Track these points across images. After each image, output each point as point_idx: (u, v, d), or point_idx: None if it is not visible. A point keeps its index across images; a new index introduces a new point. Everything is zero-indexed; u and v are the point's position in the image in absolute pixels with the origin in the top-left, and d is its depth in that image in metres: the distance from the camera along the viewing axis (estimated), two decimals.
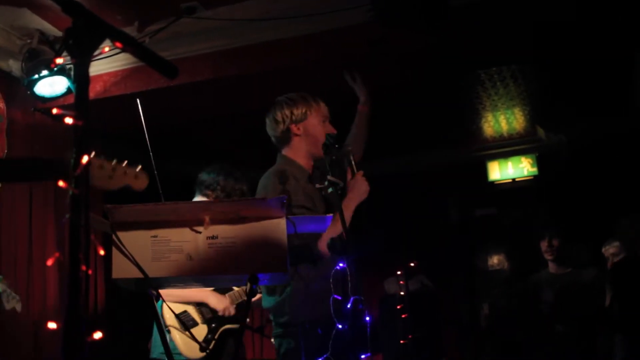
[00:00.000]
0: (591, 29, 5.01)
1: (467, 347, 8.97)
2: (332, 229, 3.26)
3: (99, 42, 1.52)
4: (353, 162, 3.54)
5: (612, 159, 7.58)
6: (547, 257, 5.98)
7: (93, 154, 2.44)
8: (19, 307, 3.49)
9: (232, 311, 4.61)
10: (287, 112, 3.75)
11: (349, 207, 3.45)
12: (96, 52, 1.54)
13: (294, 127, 3.73)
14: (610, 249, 5.90)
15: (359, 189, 3.50)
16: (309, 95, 3.83)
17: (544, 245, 5.95)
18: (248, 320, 4.88)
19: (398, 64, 5.38)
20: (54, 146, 5.64)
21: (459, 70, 6.13)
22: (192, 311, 4.61)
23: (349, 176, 3.55)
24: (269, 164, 3.80)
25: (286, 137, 3.77)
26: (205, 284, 3.40)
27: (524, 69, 6.62)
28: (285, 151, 3.79)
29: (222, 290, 4.66)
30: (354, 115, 4.26)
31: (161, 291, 4.17)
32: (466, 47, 5.20)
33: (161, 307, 4.48)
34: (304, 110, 3.75)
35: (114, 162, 2.58)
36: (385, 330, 7.87)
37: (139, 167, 2.64)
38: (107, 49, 4.70)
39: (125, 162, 2.62)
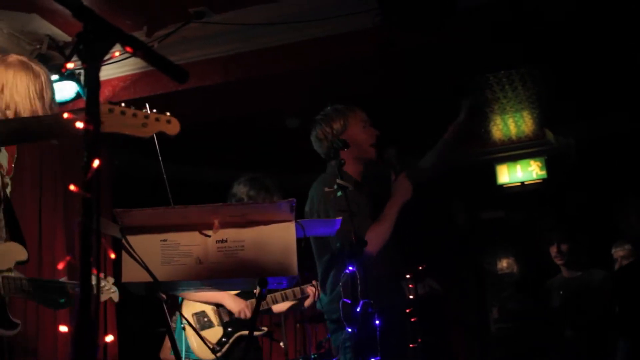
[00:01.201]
0: (598, 30, 5.00)
1: (476, 350, 8.95)
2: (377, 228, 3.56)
3: (110, 46, 1.53)
4: (396, 164, 3.62)
5: (622, 162, 7.55)
6: (557, 262, 5.97)
7: (123, 104, 2.53)
8: (115, 297, 3.45)
9: (247, 314, 4.61)
10: (327, 129, 3.84)
11: (394, 206, 3.67)
12: (106, 57, 1.55)
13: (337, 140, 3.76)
14: (619, 251, 5.88)
15: (402, 190, 3.71)
16: (343, 106, 3.91)
17: (553, 250, 5.94)
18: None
19: (406, 66, 5.37)
20: (63, 150, 5.66)
21: (468, 73, 6.13)
22: (210, 312, 4.61)
23: (392, 177, 3.63)
24: (279, 166, 3.82)
25: (334, 151, 3.80)
26: (214, 287, 3.41)
27: (532, 72, 6.61)
28: (334, 162, 3.82)
29: (245, 295, 4.64)
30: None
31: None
32: (474, 50, 5.19)
33: (181, 304, 4.52)
34: (341, 122, 3.83)
35: (145, 109, 2.68)
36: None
37: (168, 113, 2.76)
38: (117, 53, 4.72)
39: (154, 110, 2.71)
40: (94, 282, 1.42)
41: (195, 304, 4.56)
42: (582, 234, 6.35)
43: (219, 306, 4.63)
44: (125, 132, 2.65)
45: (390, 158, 3.68)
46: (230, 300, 4.59)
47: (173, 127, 2.78)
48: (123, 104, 2.62)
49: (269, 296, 4.73)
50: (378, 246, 3.55)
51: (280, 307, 4.85)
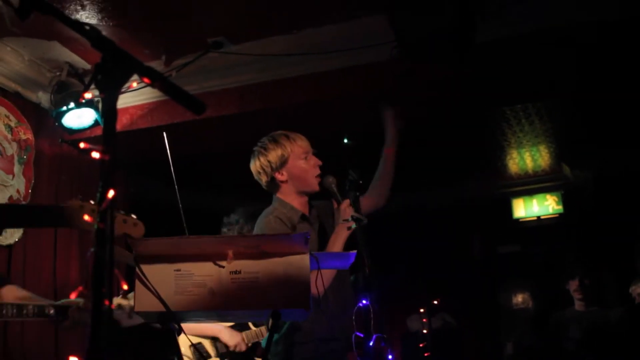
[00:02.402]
0: (618, 63, 4.99)
1: None
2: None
3: (127, 77, 1.53)
4: (336, 192, 3.49)
5: (639, 198, 7.50)
6: (577, 296, 5.90)
7: (92, 202, 2.67)
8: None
9: (243, 347, 4.62)
10: (265, 162, 3.64)
11: (339, 239, 3.40)
12: (124, 87, 1.56)
13: (277, 175, 3.63)
14: (637, 289, 5.81)
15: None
16: (282, 135, 3.71)
17: (574, 284, 5.88)
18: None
19: (423, 99, 5.37)
20: (81, 177, 5.69)
21: (485, 107, 6.13)
22: (207, 344, 4.63)
23: (334, 206, 3.53)
24: None
25: (274, 185, 3.68)
26: (227, 318, 3.40)
27: (549, 106, 6.60)
28: (278, 194, 3.70)
29: (239, 327, 4.68)
30: (381, 149, 4.23)
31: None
32: (491, 83, 5.19)
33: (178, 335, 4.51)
34: (279, 154, 3.62)
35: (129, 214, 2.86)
36: None
37: (134, 216, 2.89)
38: (135, 84, 4.76)
39: (122, 211, 2.85)
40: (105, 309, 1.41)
41: (190, 336, 4.53)
42: (604, 269, 6.30)
43: (215, 339, 4.64)
44: (88, 228, 2.82)
45: (329, 186, 3.54)
46: (226, 334, 4.61)
47: (138, 230, 2.90)
48: (93, 202, 2.77)
49: (255, 329, 4.75)
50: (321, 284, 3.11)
51: None
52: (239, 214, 4.97)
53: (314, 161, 3.67)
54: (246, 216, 4.84)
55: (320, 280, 2.88)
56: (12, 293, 3.36)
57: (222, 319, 3.36)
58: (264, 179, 3.68)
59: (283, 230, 3.44)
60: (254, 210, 4.68)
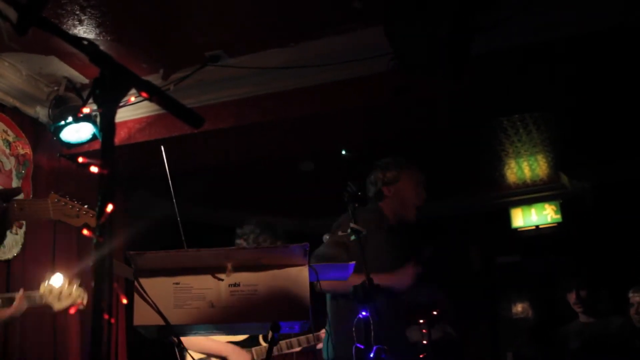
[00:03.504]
0: (614, 73, 5.00)
1: None
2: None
3: (125, 91, 1.54)
4: (423, 261, 3.67)
5: (637, 207, 7.50)
6: (577, 309, 5.91)
7: (67, 197, 2.97)
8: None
9: None
10: (380, 175, 3.97)
11: (386, 282, 3.58)
12: (122, 101, 1.56)
13: (385, 189, 3.94)
14: (636, 297, 5.81)
15: (399, 279, 3.80)
16: (405, 160, 4.03)
17: (572, 297, 5.89)
18: None
19: (421, 111, 5.39)
20: (79, 191, 5.66)
21: (482, 117, 6.14)
22: None
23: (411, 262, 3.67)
24: (293, 210, 3.81)
25: (380, 197, 3.97)
26: (227, 331, 3.38)
27: (546, 115, 6.62)
28: (380, 203, 3.97)
29: (250, 342, 4.61)
30: (379, 158, 4.29)
31: (185, 340, 4.20)
32: (489, 94, 5.20)
33: (184, 356, 4.46)
34: (395, 174, 3.95)
35: (79, 203, 3.37)
36: None
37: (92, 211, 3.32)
38: (133, 98, 4.77)
39: (86, 205, 3.39)
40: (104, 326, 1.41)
41: (197, 355, 4.50)
42: (600, 279, 6.29)
43: (223, 359, 4.59)
44: (64, 220, 3.37)
45: (423, 255, 3.72)
46: (234, 354, 4.56)
47: (80, 221, 3.39)
48: (67, 197, 3.39)
49: (284, 342, 4.71)
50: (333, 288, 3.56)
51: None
52: (253, 225, 4.91)
53: (422, 194, 4.02)
54: (262, 227, 4.80)
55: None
56: None
57: (222, 332, 3.35)
58: (373, 189, 4.02)
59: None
60: (269, 221, 4.70)
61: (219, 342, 4.46)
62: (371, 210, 3.91)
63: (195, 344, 4.33)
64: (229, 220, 5.28)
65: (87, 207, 3.37)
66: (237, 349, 4.56)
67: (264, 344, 4.68)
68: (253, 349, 4.63)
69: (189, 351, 4.51)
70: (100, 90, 1.51)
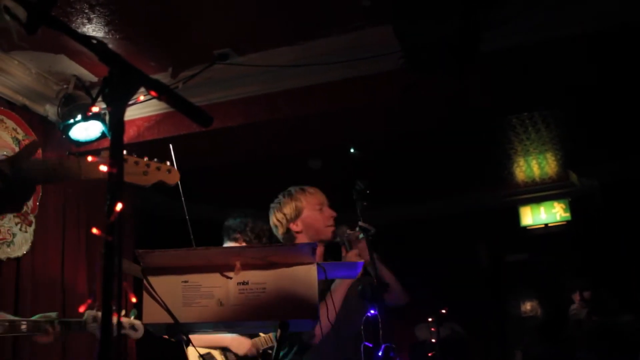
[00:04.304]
0: (623, 70, 4.99)
1: None
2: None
3: (135, 90, 1.54)
4: (346, 241, 3.58)
5: None
6: (582, 308, 5.91)
7: (125, 152, 2.62)
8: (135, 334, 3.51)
9: (254, 352, 4.59)
10: (280, 215, 3.80)
11: (341, 286, 3.46)
12: (131, 100, 1.56)
13: (292, 226, 3.77)
14: None
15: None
16: (297, 189, 3.86)
17: (576, 297, 5.89)
18: None
19: (430, 109, 5.38)
20: (88, 189, 5.70)
21: (490, 115, 6.13)
22: (217, 354, 4.59)
23: (343, 254, 3.58)
24: None
25: (290, 237, 3.80)
26: (235, 329, 3.39)
27: (555, 113, 6.60)
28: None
29: (249, 335, 4.64)
30: (387, 159, 4.24)
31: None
32: (498, 92, 5.20)
33: (186, 347, 4.48)
34: (294, 207, 3.78)
35: (146, 158, 2.83)
36: None
37: (168, 163, 2.89)
38: (142, 97, 4.78)
39: (155, 159, 2.86)
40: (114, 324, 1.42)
41: (200, 348, 4.52)
42: (609, 277, 6.28)
43: (225, 349, 4.60)
44: (126, 179, 2.72)
45: (341, 235, 3.63)
46: (235, 342, 4.58)
47: (173, 177, 2.89)
48: (125, 152, 2.69)
49: (263, 336, 4.72)
50: (320, 331, 3.08)
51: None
52: (241, 216, 4.92)
53: (329, 213, 3.80)
54: (252, 216, 4.81)
55: (332, 307, 3.02)
56: None
57: (230, 330, 3.36)
58: (280, 231, 3.82)
59: None
60: (252, 211, 4.69)
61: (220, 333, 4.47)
62: None
63: (196, 337, 4.33)
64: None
65: (158, 161, 2.88)
66: (236, 337, 4.58)
67: (262, 334, 4.69)
68: (252, 340, 4.65)
69: (190, 346, 4.53)
70: (110, 89, 1.51)
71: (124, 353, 5.84)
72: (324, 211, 3.79)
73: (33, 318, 3.25)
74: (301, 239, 3.75)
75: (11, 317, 3.27)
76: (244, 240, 4.76)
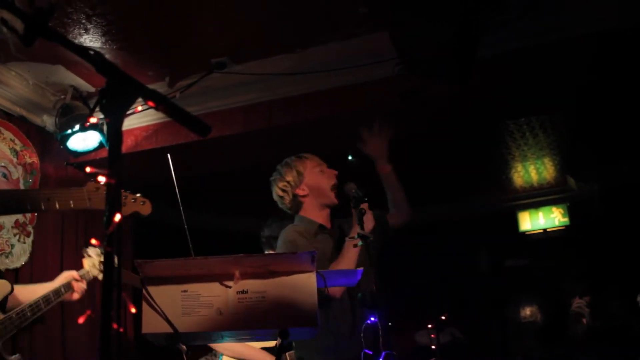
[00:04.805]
0: (621, 75, 5.00)
1: None
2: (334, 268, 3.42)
3: (132, 101, 1.54)
4: (355, 196, 3.57)
5: None
6: (582, 312, 5.91)
7: (104, 181, 2.82)
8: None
9: None
10: (283, 184, 3.87)
11: (351, 244, 3.49)
12: (129, 110, 1.57)
13: (298, 191, 3.84)
14: None
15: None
16: (293, 157, 3.95)
17: (576, 302, 5.90)
18: None
19: (427, 115, 5.38)
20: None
21: (488, 120, 6.13)
22: None
23: (353, 215, 3.57)
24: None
25: (297, 203, 3.87)
26: (235, 339, 3.38)
27: (553, 118, 6.61)
28: (300, 212, 3.90)
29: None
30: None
31: (219, 345, 4.19)
32: (495, 98, 5.20)
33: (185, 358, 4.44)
34: (295, 173, 3.86)
35: (122, 191, 2.85)
36: None
37: (139, 195, 3.18)
38: (139, 108, 4.78)
39: (129, 191, 3.12)
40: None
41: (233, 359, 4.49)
42: (608, 282, 6.28)
43: None
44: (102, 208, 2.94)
45: (349, 192, 3.63)
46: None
47: (146, 208, 3.21)
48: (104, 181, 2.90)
49: None
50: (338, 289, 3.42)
51: None
52: (275, 221, 4.86)
53: (330, 172, 3.89)
54: (281, 218, 4.76)
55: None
56: (24, 290, 3.74)
57: (230, 339, 3.34)
58: (287, 200, 3.89)
59: (301, 241, 3.63)
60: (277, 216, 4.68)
61: (253, 347, 4.43)
62: (300, 225, 3.81)
63: (229, 348, 4.33)
64: (237, 227, 5.27)
65: (131, 192, 3.17)
66: (269, 356, 4.52)
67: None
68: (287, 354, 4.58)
69: (225, 357, 4.51)
70: (107, 100, 1.51)
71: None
72: (325, 172, 3.87)
73: None
74: (309, 202, 3.83)
75: None
76: None
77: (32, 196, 3.04)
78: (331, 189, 3.83)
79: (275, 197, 3.96)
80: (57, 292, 3.84)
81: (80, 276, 3.99)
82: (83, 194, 3.06)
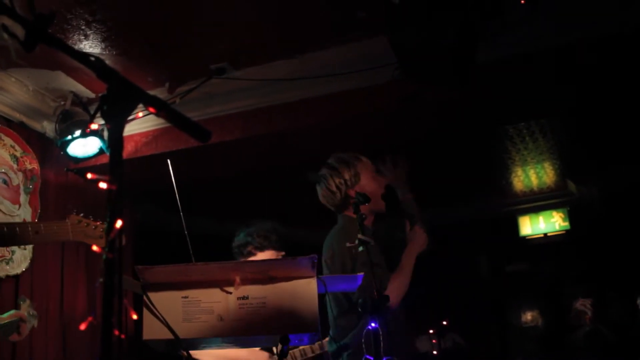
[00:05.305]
0: (621, 78, 5.00)
1: None
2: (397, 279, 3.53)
3: (133, 107, 1.54)
4: (413, 212, 3.60)
5: None
6: (584, 315, 5.91)
7: (82, 214, 2.92)
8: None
9: None
10: (340, 180, 3.81)
11: (411, 256, 3.62)
12: (130, 117, 1.56)
13: (351, 192, 3.77)
14: None
15: (419, 239, 3.57)
16: (352, 156, 3.90)
17: (577, 305, 5.89)
18: None
19: (427, 119, 5.39)
20: (86, 205, 5.68)
21: (487, 125, 6.13)
22: None
23: (407, 228, 3.59)
24: (300, 220, 3.80)
25: (346, 203, 3.82)
26: (236, 345, 3.37)
27: (552, 122, 6.61)
28: (346, 212, 3.85)
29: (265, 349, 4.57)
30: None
31: (213, 352, 4.16)
32: (494, 102, 5.20)
33: None
34: (353, 173, 3.81)
35: (98, 222, 3.22)
36: None
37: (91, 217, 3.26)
38: (140, 114, 4.78)
39: (99, 222, 3.21)
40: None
41: None
42: (609, 286, 6.28)
43: None
44: (85, 241, 3.19)
45: (406, 206, 3.65)
46: (252, 356, 4.52)
47: (97, 232, 3.23)
48: (82, 215, 3.24)
49: (297, 350, 4.67)
50: (399, 298, 3.51)
51: None
52: (242, 231, 4.81)
53: (382, 180, 3.90)
54: (250, 225, 4.72)
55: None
56: None
57: (231, 345, 3.33)
58: (338, 197, 3.84)
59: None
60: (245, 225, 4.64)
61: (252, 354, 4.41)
62: (348, 228, 3.73)
63: (210, 352, 4.29)
64: (237, 233, 5.27)
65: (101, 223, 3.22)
66: (254, 351, 4.51)
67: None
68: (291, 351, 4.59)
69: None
70: (108, 106, 1.51)
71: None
72: (378, 180, 3.86)
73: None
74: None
75: None
76: (256, 248, 4.65)
77: (22, 229, 3.13)
78: (382, 197, 3.82)
79: (323, 192, 3.89)
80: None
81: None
82: (67, 227, 3.21)
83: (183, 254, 3.95)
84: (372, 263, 3.25)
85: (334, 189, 3.83)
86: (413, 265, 3.61)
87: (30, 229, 3.14)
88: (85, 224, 3.20)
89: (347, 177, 3.80)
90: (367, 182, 3.81)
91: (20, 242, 3.25)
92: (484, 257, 9.33)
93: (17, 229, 3.13)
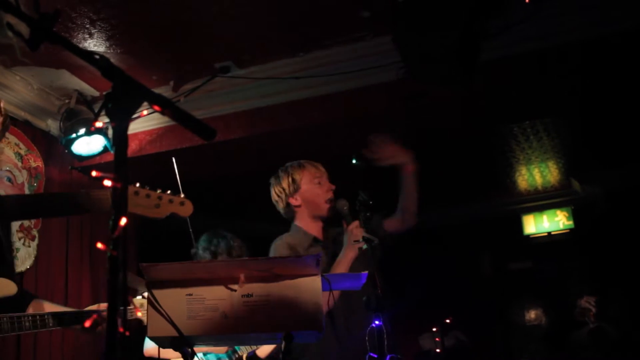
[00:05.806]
0: (625, 78, 4.99)
1: None
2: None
3: (138, 105, 1.54)
4: (347, 214, 3.57)
5: None
6: (588, 313, 5.91)
7: (138, 184, 2.65)
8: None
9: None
10: (279, 189, 3.82)
11: (345, 257, 3.48)
12: (134, 115, 1.57)
13: (292, 200, 3.78)
14: None
15: (353, 239, 3.50)
16: (294, 164, 3.88)
17: (581, 303, 5.89)
18: None
19: (431, 119, 5.38)
20: None
21: (492, 124, 6.13)
22: None
23: (344, 227, 3.56)
24: None
25: (290, 211, 3.83)
26: (240, 342, 3.38)
27: (557, 121, 6.60)
28: (296, 221, 3.85)
29: None
30: (386, 170, 4.19)
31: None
32: (498, 101, 5.20)
33: None
34: (291, 181, 3.80)
35: (159, 191, 2.81)
36: None
37: (182, 195, 2.85)
38: (145, 112, 4.78)
39: (169, 191, 2.83)
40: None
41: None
42: (613, 285, 6.27)
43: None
44: (136, 212, 2.75)
45: (341, 209, 3.63)
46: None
47: (186, 209, 2.88)
48: (138, 184, 2.75)
49: None
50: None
51: (265, 350, 4.64)
52: (206, 240, 4.69)
53: (327, 186, 3.80)
54: (215, 237, 4.63)
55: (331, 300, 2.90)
56: (41, 307, 3.36)
57: (235, 343, 3.35)
58: (280, 206, 3.85)
59: (287, 254, 3.57)
60: (208, 234, 4.58)
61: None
62: (294, 236, 3.77)
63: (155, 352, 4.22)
64: (241, 230, 5.27)
65: (171, 193, 2.86)
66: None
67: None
68: None
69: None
70: (113, 104, 1.51)
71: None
72: (323, 185, 3.79)
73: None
74: (301, 213, 3.79)
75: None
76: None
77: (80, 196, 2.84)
78: (326, 202, 3.78)
79: (272, 199, 3.93)
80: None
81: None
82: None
83: (188, 251, 3.96)
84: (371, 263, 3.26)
85: (276, 197, 3.85)
86: (347, 266, 3.46)
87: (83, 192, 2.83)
88: (145, 195, 2.81)
89: (284, 185, 3.81)
90: (308, 188, 3.77)
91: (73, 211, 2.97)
92: (488, 256, 9.33)
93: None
